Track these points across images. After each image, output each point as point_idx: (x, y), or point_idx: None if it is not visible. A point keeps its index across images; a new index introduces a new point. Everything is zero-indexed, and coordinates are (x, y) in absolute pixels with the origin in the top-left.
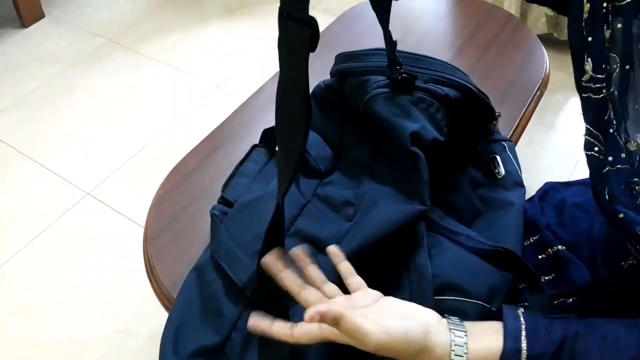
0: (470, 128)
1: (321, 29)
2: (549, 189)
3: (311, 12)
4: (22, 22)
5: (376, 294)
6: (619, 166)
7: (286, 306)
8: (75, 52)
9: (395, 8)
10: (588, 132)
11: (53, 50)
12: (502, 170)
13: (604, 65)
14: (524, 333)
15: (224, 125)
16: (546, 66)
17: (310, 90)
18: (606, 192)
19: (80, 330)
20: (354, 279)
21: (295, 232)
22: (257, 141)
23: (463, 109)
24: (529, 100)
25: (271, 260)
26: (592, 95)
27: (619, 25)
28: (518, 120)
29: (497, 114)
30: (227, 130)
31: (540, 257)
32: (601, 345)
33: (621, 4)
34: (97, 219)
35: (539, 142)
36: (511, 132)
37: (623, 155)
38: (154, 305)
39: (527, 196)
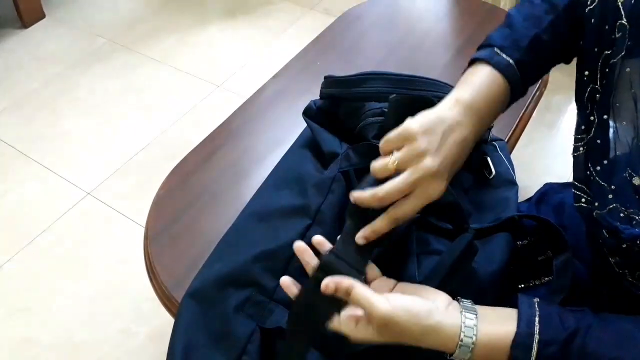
0: None
1: (321, 29)
2: (548, 190)
3: (311, 13)
4: (22, 22)
5: (392, 281)
6: (610, 206)
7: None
8: (76, 52)
9: (395, 8)
10: (574, 187)
11: (53, 50)
12: (493, 171)
13: (582, 127)
14: (537, 319)
15: (224, 125)
16: None
17: (304, 105)
18: (604, 231)
19: (80, 330)
20: (370, 269)
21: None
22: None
23: None
24: (529, 101)
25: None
26: (573, 154)
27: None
28: (517, 120)
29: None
30: (227, 131)
31: (539, 258)
32: (615, 339)
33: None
34: (97, 219)
35: (539, 142)
36: (510, 132)
37: (610, 196)
38: (154, 305)
39: (527, 196)
